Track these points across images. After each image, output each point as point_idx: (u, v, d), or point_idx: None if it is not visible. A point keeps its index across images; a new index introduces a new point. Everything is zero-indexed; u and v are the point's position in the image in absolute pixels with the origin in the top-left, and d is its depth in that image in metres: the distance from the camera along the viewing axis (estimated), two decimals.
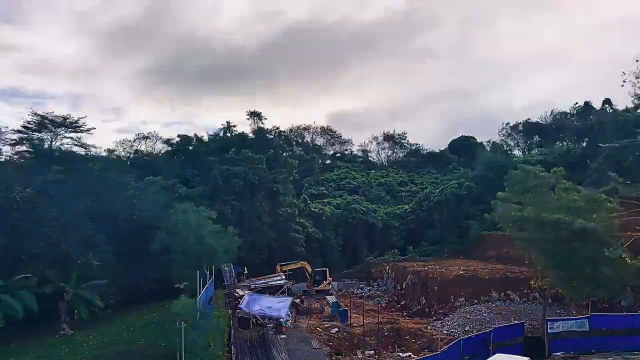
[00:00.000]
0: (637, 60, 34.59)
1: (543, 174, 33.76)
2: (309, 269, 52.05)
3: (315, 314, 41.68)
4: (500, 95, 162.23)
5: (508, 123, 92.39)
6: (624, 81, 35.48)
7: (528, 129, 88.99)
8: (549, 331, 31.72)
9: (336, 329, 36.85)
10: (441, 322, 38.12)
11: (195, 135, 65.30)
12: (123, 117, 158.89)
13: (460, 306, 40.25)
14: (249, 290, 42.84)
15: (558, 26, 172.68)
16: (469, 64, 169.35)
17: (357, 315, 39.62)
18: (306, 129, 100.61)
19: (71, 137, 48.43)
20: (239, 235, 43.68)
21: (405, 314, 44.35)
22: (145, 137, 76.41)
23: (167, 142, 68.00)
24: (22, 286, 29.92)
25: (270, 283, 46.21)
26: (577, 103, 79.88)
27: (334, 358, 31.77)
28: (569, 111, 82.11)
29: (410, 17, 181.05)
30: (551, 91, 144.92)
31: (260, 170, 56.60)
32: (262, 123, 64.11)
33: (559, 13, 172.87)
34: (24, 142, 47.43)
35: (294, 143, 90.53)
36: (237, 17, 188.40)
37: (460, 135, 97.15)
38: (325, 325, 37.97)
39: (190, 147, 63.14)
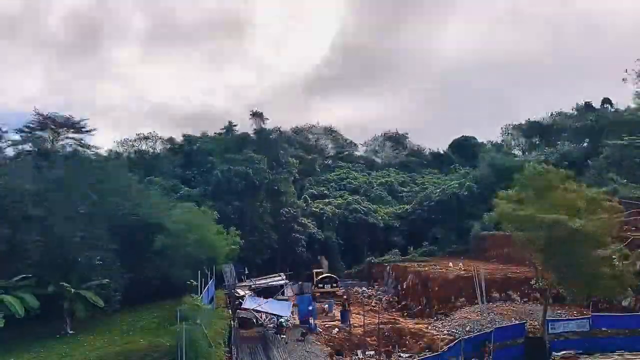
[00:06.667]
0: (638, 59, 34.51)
1: (544, 174, 33.67)
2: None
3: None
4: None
5: (509, 123, 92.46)
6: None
7: (528, 129, 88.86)
8: (550, 331, 31.70)
9: (337, 329, 36.89)
10: (442, 323, 38.10)
11: (199, 135, 65.56)
12: None
13: (460, 306, 40.27)
14: (249, 290, 42.92)
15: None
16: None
17: (357, 316, 39.63)
18: (309, 129, 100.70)
19: (73, 138, 48.61)
20: (240, 236, 43.72)
21: (405, 314, 44.37)
22: (146, 138, 76.45)
23: (168, 141, 68.15)
24: (22, 286, 29.94)
25: (271, 283, 46.31)
26: (577, 103, 79.86)
27: (334, 358, 31.82)
28: (569, 111, 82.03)
29: None
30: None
31: (261, 171, 56.65)
32: (264, 123, 64.34)
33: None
34: (26, 142, 47.58)
35: (296, 143, 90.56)
36: None
37: (461, 135, 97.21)
38: (326, 325, 38.00)
39: (192, 147, 63.24)
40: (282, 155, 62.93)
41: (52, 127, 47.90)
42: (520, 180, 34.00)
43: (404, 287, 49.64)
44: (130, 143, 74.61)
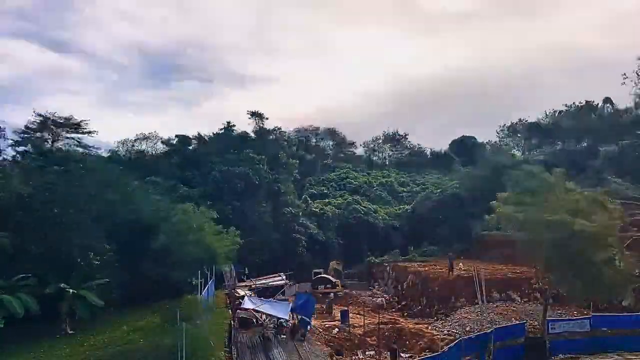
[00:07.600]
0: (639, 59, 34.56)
1: (544, 174, 33.73)
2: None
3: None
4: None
5: (507, 123, 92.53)
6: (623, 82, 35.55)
7: (528, 129, 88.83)
8: (550, 331, 31.71)
9: (337, 329, 36.86)
10: (442, 323, 38.10)
11: (197, 135, 65.52)
12: None
13: (460, 306, 40.25)
14: (249, 290, 42.88)
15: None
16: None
17: (357, 316, 39.61)
18: (311, 130, 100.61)
19: (72, 138, 48.52)
20: (240, 236, 43.69)
21: (406, 314, 44.37)
22: (146, 138, 76.40)
23: (168, 142, 68.12)
24: (22, 286, 29.92)
25: (270, 283, 46.32)
26: (578, 102, 79.82)
27: (334, 358, 31.77)
28: (569, 110, 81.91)
29: None
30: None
31: (261, 171, 56.64)
32: (263, 123, 64.44)
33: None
34: (26, 142, 47.51)
35: (295, 143, 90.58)
36: None
37: (461, 135, 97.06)
38: (326, 325, 37.98)
39: (191, 147, 63.25)
40: (281, 155, 62.89)
41: (52, 127, 47.87)
42: (514, 180, 34.11)
43: (404, 287, 49.64)
44: (131, 143, 74.65)
